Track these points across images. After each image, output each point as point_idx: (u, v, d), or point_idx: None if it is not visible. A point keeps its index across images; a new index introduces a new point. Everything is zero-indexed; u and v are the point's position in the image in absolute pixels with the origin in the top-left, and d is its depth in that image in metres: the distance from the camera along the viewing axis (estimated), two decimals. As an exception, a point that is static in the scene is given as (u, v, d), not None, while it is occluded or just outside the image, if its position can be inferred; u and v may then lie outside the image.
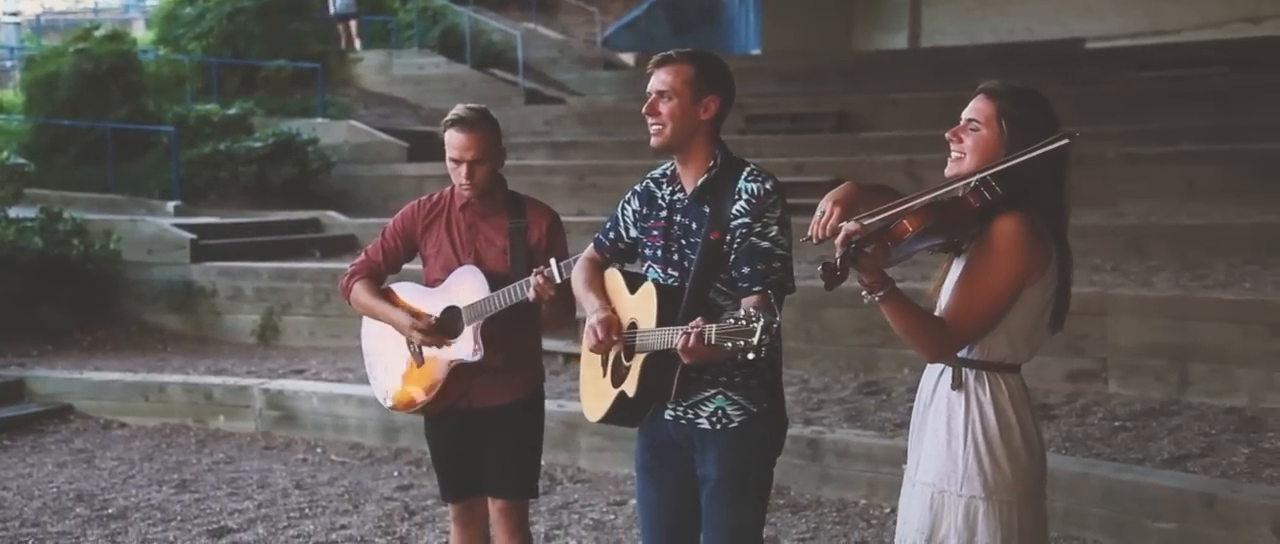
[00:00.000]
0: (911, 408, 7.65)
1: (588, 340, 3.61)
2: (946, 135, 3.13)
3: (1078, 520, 5.65)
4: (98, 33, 16.62)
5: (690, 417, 3.58)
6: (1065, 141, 2.96)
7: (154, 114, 16.04)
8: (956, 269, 3.12)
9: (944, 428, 3.09)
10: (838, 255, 2.83)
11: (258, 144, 15.26)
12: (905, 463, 3.28)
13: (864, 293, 2.95)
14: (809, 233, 3.15)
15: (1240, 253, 9.20)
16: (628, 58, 23.03)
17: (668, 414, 3.62)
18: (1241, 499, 5.30)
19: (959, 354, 3.08)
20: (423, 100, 19.16)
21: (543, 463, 4.69)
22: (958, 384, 3.08)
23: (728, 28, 25.40)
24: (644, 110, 3.54)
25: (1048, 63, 17.04)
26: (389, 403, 4.54)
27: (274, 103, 17.87)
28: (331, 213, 14.13)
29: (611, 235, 3.82)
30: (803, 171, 12.35)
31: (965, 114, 3.13)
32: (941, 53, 22.07)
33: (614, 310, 3.63)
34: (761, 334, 3.04)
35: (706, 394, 3.55)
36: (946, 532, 3.05)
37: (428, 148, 16.18)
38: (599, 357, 3.70)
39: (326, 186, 15.51)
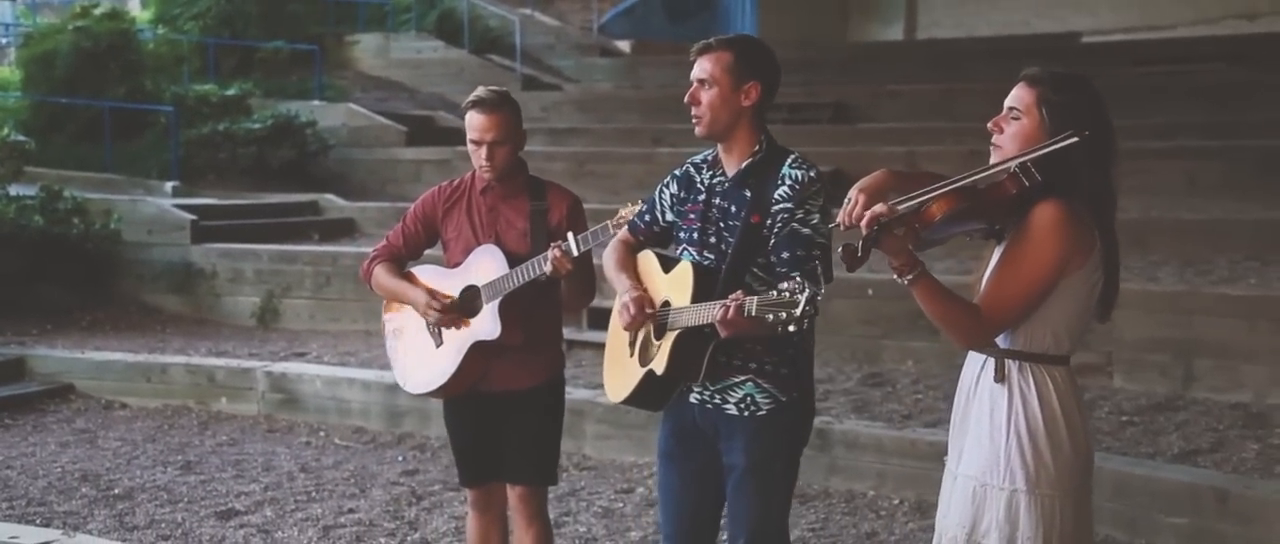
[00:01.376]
0: (917, 399, 7.68)
1: (620, 317, 3.60)
2: (989, 125, 3.12)
3: (1089, 514, 5.67)
4: (97, 11, 16.48)
5: (717, 401, 3.57)
6: (1074, 140, 2.94)
7: (152, 93, 15.94)
8: (996, 255, 3.10)
9: (986, 420, 3.08)
10: (862, 237, 2.83)
11: (257, 125, 15.19)
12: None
13: (894, 276, 2.94)
14: (837, 219, 3.16)
15: (1241, 249, 9.22)
16: (624, 45, 22.97)
17: (694, 398, 3.62)
18: (1255, 495, 5.33)
19: (1001, 345, 3.06)
20: (420, 84, 19.09)
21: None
22: (1000, 376, 3.06)
23: (724, 16, 25.33)
24: (686, 99, 3.52)
25: (1043, 56, 16.62)
26: (410, 387, 4.54)
27: (271, 84, 17.77)
28: (330, 196, 14.09)
29: (647, 218, 3.81)
30: (803, 161, 12.31)
31: (1007, 102, 3.12)
32: (938, 45, 22.08)
33: (645, 290, 3.62)
34: (805, 306, 3.03)
35: (737, 380, 3.54)
36: (988, 526, 3.04)
37: (425, 132, 16.15)
38: (626, 337, 3.69)
39: (324, 169, 15.45)
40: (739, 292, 3.24)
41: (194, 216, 12.01)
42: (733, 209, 3.54)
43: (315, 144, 15.41)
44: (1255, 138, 11.61)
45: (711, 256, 3.56)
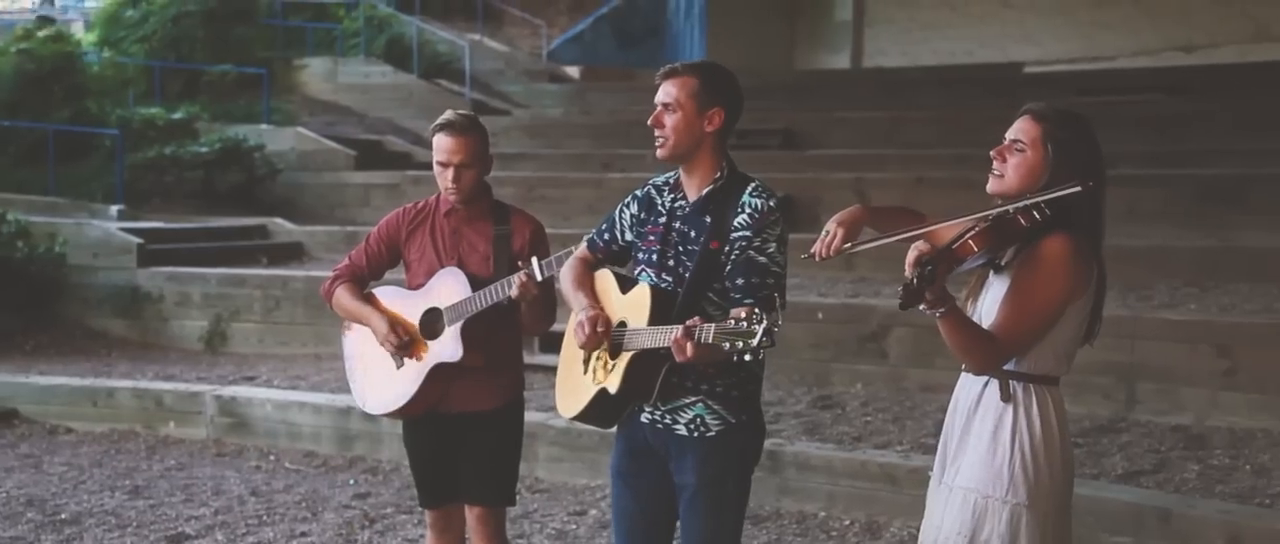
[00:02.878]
0: (866, 422, 7.77)
1: (576, 335, 3.62)
2: (991, 153, 3.23)
3: (1035, 533, 5.76)
4: (41, 33, 16.36)
5: (667, 422, 3.61)
6: (1078, 189, 3.05)
7: (97, 116, 15.84)
8: (996, 284, 3.22)
9: (989, 437, 3.20)
10: (912, 276, 2.92)
11: (204, 149, 15.12)
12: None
13: (924, 308, 3.03)
14: (812, 250, 3.24)
15: (1181, 275, 9.41)
16: (573, 71, 23.09)
17: (644, 417, 3.65)
18: (1197, 514, 5.44)
19: (1007, 367, 3.19)
20: (368, 109, 19.08)
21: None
22: (1006, 396, 3.19)
23: (673, 43, 25.47)
24: (649, 122, 3.57)
25: (987, 85, 17.29)
26: (369, 408, 4.55)
27: (218, 108, 17.70)
28: (279, 219, 14.03)
29: (606, 236, 3.85)
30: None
31: (1010, 134, 3.22)
32: (884, 73, 22.33)
33: (602, 308, 3.66)
34: (762, 336, 3.09)
35: (687, 401, 3.58)
36: (989, 536, 3.16)
37: (374, 156, 16.13)
38: (580, 354, 3.72)
39: (272, 193, 15.39)
40: (696, 318, 3.30)
41: (140, 240, 11.92)
42: (692, 234, 3.58)
43: (263, 168, 15.36)
44: (1193, 167, 11.85)
45: (669, 279, 3.61)
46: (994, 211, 3.10)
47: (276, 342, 10.91)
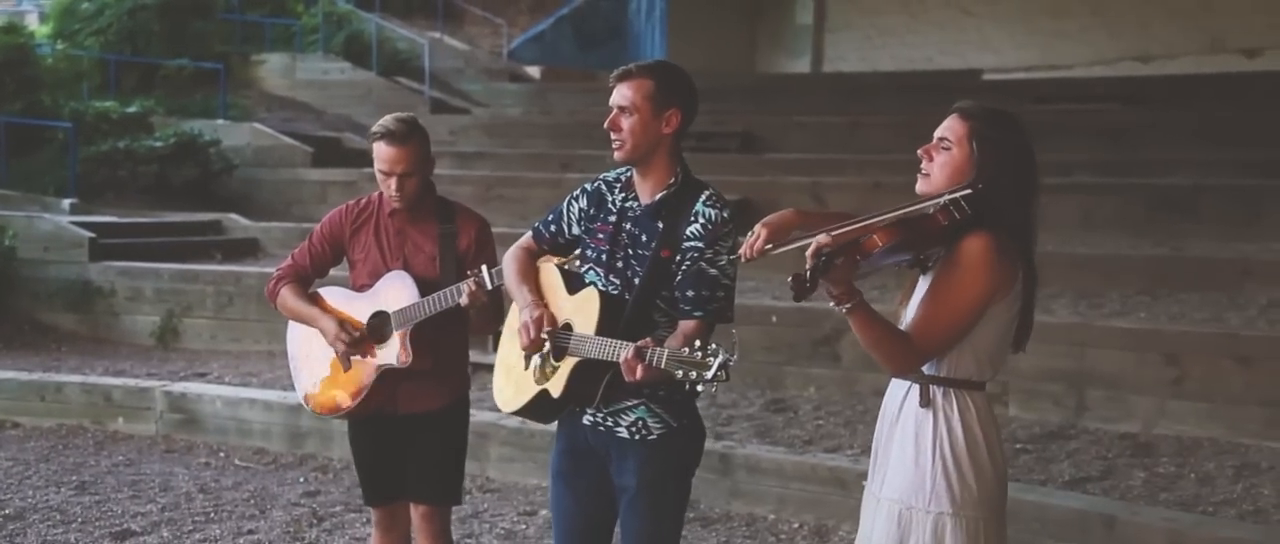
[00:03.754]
0: (818, 425, 7.78)
1: (520, 337, 3.59)
2: (918, 151, 3.19)
3: (982, 538, 5.78)
4: (-8, 24, 16.22)
5: (609, 424, 3.60)
6: (969, 192, 3.03)
7: (50, 109, 15.66)
8: (923, 285, 3.17)
9: (912, 444, 3.14)
10: (808, 267, 2.87)
11: (158, 143, 14.98)
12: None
13: (833, 304, 3.00)
14: (739, 252, 3.23)
15: (1133, 283, 9.47)
16: (533, 71, 23.05)
17: (586, 419, 3.64)
18: (1141, 521, 5.48)
19: (926, 371, 3.13)
20: (326, 106, 18.99)
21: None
22: (926, 402, 3.13)
23: (634, 44, 25.50)
24: (606, 125, 3.53)
25: (946, 91, 17.28)
26: (312, 407, 4.52)
27: (174, 103, 17.55)
28: (234, 215, 13.93)
29: (552, 228, 3.81)
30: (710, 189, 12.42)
31: (938, 132, 3.18)
32: (844, 78, 22.44)
33: (547, 307, 3.63)
34: (717, 370, 3.08)
35: (629, 404, 3.57)
36: None
37: (332, 153, 16.04)
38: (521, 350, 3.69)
39: (228, 189, 15.28)
40: (648, 339, 3.27)
41: (92, 234, 11.79)
42: (644, 238, 3.55)
43: (219, 163, 15.24)
44: (1147, 176, 11.96)
45: (618, 282, 3.58)
46: (907, 208, 3.06)
47: (229, 338, 10.82)
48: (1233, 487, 6.20)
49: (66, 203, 13.75)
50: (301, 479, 7.55)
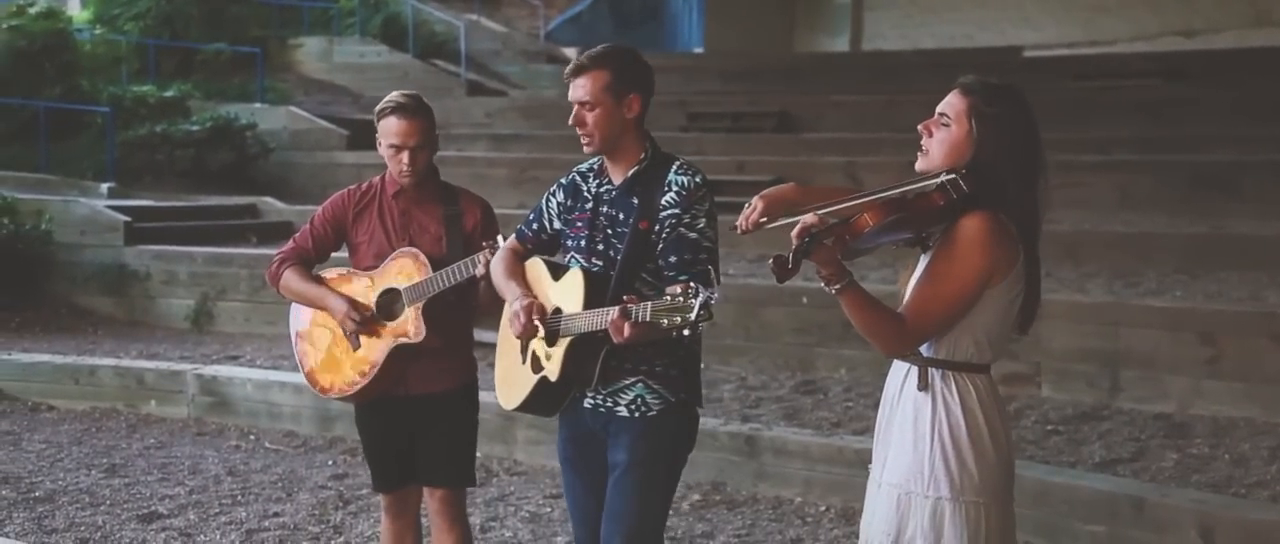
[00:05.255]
0: (847, 407, 7.72)
1: (511, 326, 3.61)
2: (919, 127, 3.12)
3: (1010, 521, 5.71)
4: (32, 10, 16.30)
5: (609, 405, 3.61)
6: (953, 177, 2.95)
7: (89, 94, 15.79)
8: (923, 265, 3.11)
9: (910, 429, 3.08)
10: (792, 247, 2.82)
11: (195, 127, 15.07)
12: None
13: (822, 284, 2.95)
14: (736, 224, 3.18)
15: (1171, 262, 9.35)
16: (571, 52, 22.98)
17: (587, 402, 3.64)
18: (1170, 502, 5.39)
19: (924, 354, 3.07)
20: (363, 89, 19.02)
21: (479, 455, 4.69)
22: (924, 385, 3.06)
23: (671, 24, 25.44)
24: (571, 122, 3.57)
25: (985, 69, 16.64)
26: (320, 389, 4.50)
27: (212, 86, 17.65)
28: (269, 199, 14.00)
29: (534, 227, 3.83)
30: (743, 170, 12.40)
31: (939, 107, 3.11)
32: (882, 57, 22.26)
33: (536, 297, 3.63)
34: (699, 309, 3.07)
35: (627, 382, 3.57)
36: (913, 533, 3.04)
37: (367, 136, 15.83)
38: (517, 344, 3.71)
39: (264, 172, 15.35)
40: (632, 297, 3.28)
41: (128, 218, 11.88)
42: (621, 216, 3.59)
43: (255, 147, 15.31)
44: (1187, 152, 11.78)
45: (600, 263, 3.60)
46: (904, 186, 2.99)
47: (263, 321, 10.86)
48: (1267, 468, 6.09)
49: (104, 187, 13.87)
50: (330, 462, 7.57)
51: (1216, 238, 9.62)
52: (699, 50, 24.28)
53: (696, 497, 6.65)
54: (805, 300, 8.58)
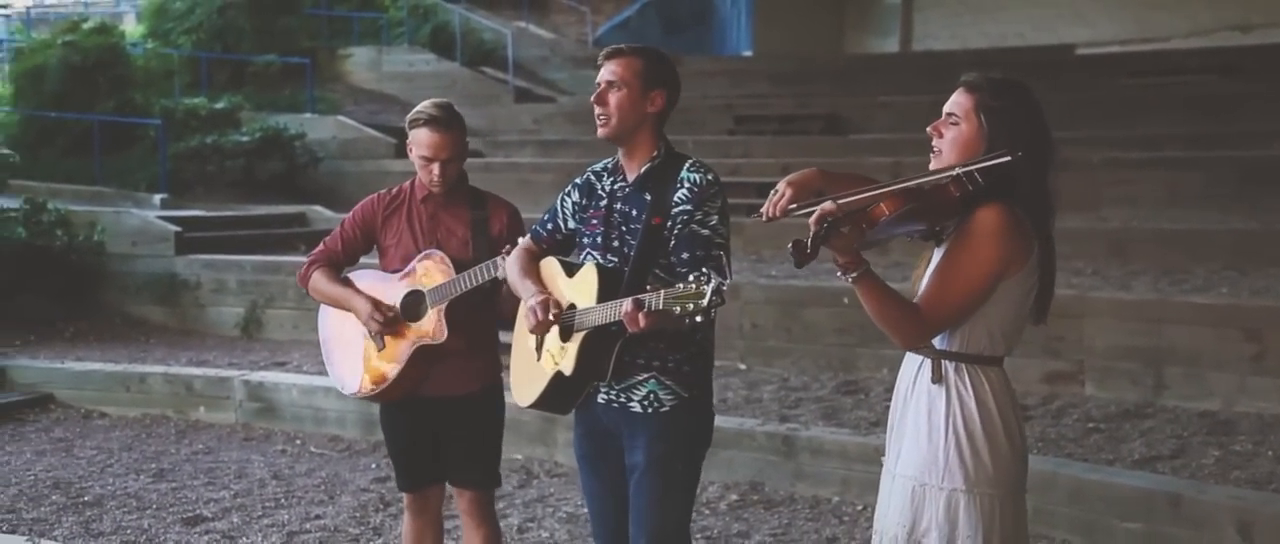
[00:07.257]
0: (887, 407, 7.67)
1: (527, 321, 3.63)
2: (928, 129, 3.13)
3: (1047, 519, 5.67)
4: (86, 25, 16.59)
5: (622, 400, 3.62)
6: (1007, 158, 2.94)
7: (141, 107, 16.03)
8: (938, 257, 3.11)
9: (924, 421, 3.08)
10: (811, 233, 2.83)
11: (245, 138, 15.26)
12: (883, 455, 3.28)
13: (838, 272, 2.96)
14: (761, 211, 3.18)
15: (1220, 259, 9.24)
16: (619, 58, 23.03)
17: (601, 398, 3.66)
18: (1207, 499, 5.33)
19: (938, 346, 3.07)
20: (412, 97, 19.10)
21: (520, 456, 4.71)
22: (938, 377, 3.07)
23: (719, 29, 25.42)
24: (593, 99, 3.61)
25: (1037, 68, 17.03)
26: (348, 390, 4.55)
27: (263, 98, 17.88)
28: (318, 207, 14.13)
29: (549, 226, 3.87)
30: (789, 173, 12.32)
31: (946, 107, 3.11)
32: (932, 57, 22.12)
33: (551, 293, 3.66)
34: (712, 296, 3.08)
35: (639, 378, 3.59)
36: (928, 525, 3.05)
37: (416, 144, 16.17)
38: (532, 341, 3.74)
39: (313, 181, 15.51)
40: (646, 287, 3.32)
41: (178, 228, 12.04)
42: (634, 213, 3.61)
43: (304, 156, 15.47)
44: (1238, 148, 11.63)
45: (614, 259, 3.63)
46: (920, 178, 2.99)
47: (310, 328, 10.81)
48: (1311, 465, 6.01)
49: (157, 198, 14.08)
50: (373, 465, 7.64)
51: (1267, 234, 9.49)
52: (747, 54, 24.29)
53: (734, 497, 6.65)
54: (846, 301, 8.54)
